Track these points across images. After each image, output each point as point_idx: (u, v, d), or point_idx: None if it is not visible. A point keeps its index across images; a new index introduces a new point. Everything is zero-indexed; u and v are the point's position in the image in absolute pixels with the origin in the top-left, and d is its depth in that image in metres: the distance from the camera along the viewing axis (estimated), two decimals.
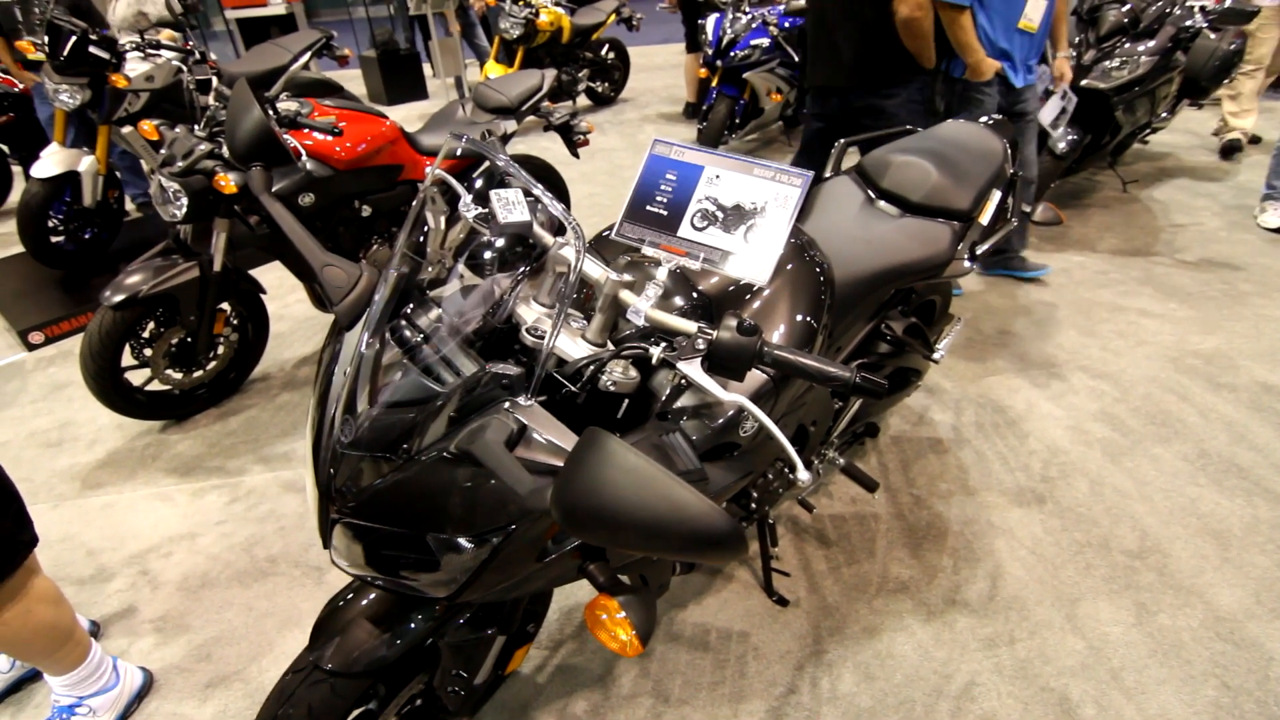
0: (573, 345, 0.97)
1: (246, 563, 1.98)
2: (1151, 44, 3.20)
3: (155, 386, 2.46)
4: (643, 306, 0.93)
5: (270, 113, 2.14)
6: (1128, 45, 3.21)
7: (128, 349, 2.34)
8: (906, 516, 2.00)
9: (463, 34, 6.61)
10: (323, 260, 0.93)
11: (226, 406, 2.64)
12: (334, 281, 0.91)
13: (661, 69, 7.90)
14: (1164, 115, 3.94)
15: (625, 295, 0.95)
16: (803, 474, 0.81)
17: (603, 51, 6.29)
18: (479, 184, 1.02)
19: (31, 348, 3.10)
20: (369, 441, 0.84)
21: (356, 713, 1.21)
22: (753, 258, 0.91)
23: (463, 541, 0.84)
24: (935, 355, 1.77)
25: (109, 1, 3.66)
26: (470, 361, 0.87)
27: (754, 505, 1.45)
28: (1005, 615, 1.72)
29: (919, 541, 1.92)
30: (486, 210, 1.10)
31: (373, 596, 1.10)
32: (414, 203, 0.97)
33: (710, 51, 4.45)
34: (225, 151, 2.16)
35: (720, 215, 0.93)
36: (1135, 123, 3.50)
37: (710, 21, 4.51)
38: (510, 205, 0.99)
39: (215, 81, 2.24)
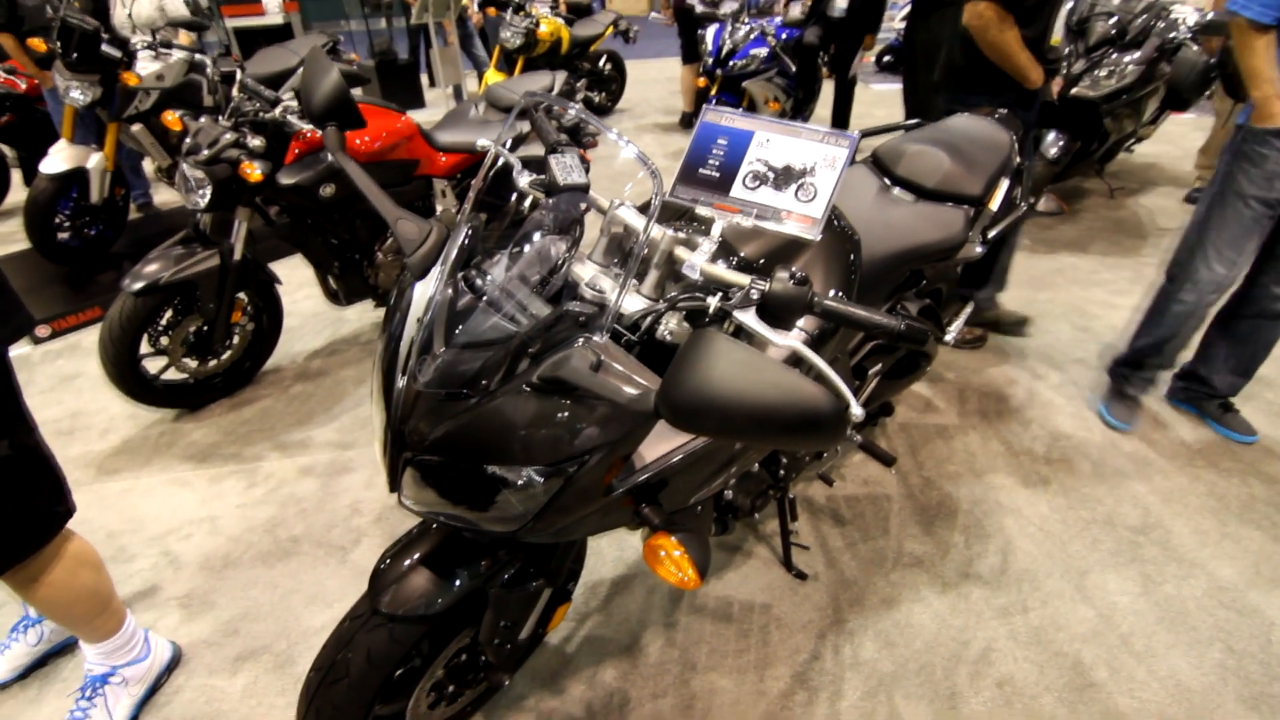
0: (629, 299, 1.02)
1: (269, 543, 2.00)
2: (1138, 54, 3.34)
3: (171, 375, 2.48)
4: (698, 261, 0.98)
5: (298, 102, 2.19)
6: (1115, 55, 3.35)
7: (145, 338, 2.35)
8: (917, 497, 2.06)
9: (461, 44, 6.69)
10: (396, 214, 0.98)
11: (240, 397, 2.65)
12: (407, 235, 0.96)
13: (656, 81, 8.04)
14: (1148, 124, 4.09)
15: (680, 251, 1.00)
16: (856, 409, 0.86)
17: (600, 63, 6.40)
18: (523, 178, 1.09)
19: (37, 341, 3.09)
20: (446, 380, 0.88)
21: (402, 670, 1.24)
22: (804, 214, 0.97)
23: (535, 475, 0.88)
24: (947, 337, 1.84)
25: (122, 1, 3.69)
26: (542, 304, 0.92)
27: (782, 472, 1.51)
28: (1017, 586, 1.78)
29: (931, 520, 1.98)
30: (541, 178, 1.16)
31: (427, 546, 1.13)
32: (486, 159, 1.02)
33: (710, 61, 4.57)
34: (250, 141, 2.20)
35: (771, 175, 0.99)
36: (1122, 131, 3.64)
37: (710, 32, 4.63)
38: (569, 168, 1.05)
39: (239, 74, 2.28)
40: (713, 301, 0.95)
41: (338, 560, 1.93)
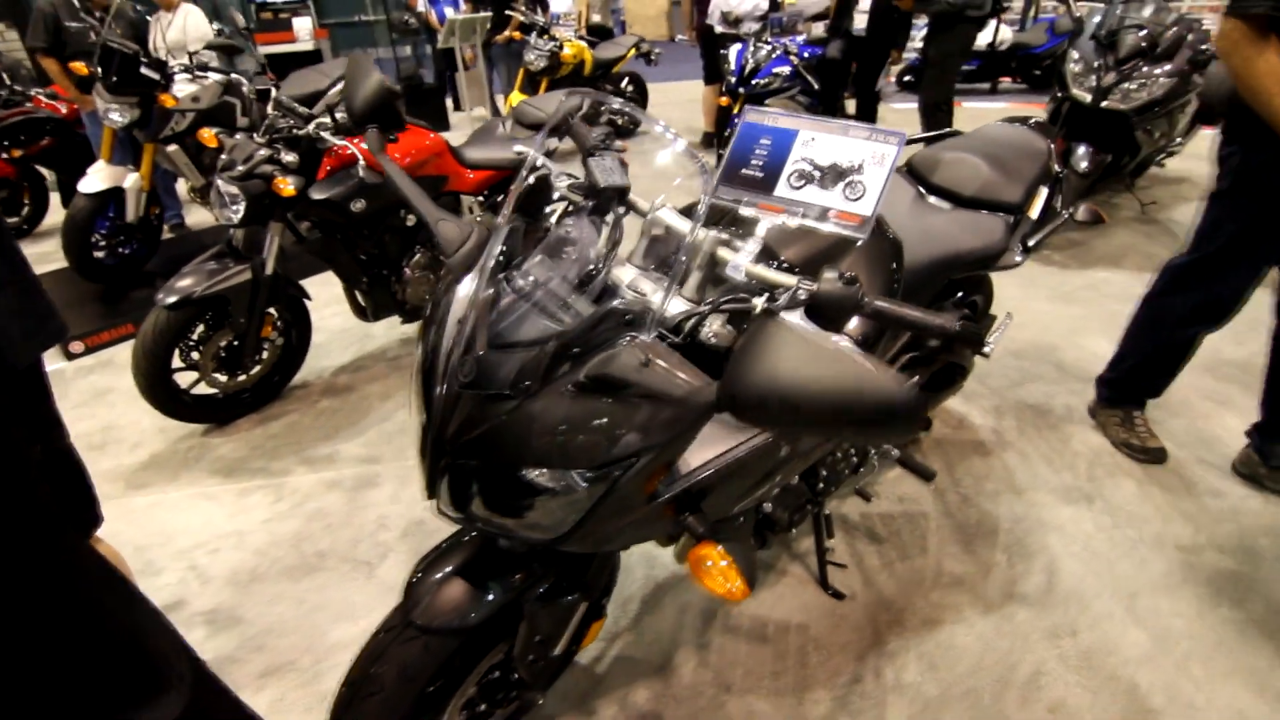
0: (670, 302, 1.00)
1: (295, 559, 1.98)
2: (1169, 66, 3.30)
3: (201, 390, 2.49)
4: (742, 261, 0.96)
5: (330, 120, 2.22)
6: (1146, 68, 3.30)
7: (176, 352, 2.37)
8: (955, 515, 2.00)
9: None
10: (437, 215, 0.97)
11: (267, 412, 2.66)
12: (448, 235, 0.95)
13: (678, 103, 8.10)
14: (1179, 140, 4.03)
15: (723, 252, 0.98)
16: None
17: (622, 84, 6.46)
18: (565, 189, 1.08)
19: (71, 357, 3.14)
20: (488, 380, 0.86)
21: (433, 688, 1.20)
22: (852, 213, 0.94)
23: (579, 480, 0.86)
24: (986, 349, 1.79)
25: (160, 26, 3.81)
26: (586, 303, 0.90)
27: (821, 485, 1.46)
28: (1064, 608, 1.71)
29: (970, 538, 1.92)
30: (579, 181, 1.15)
31: (461, 558, 1.11)
32: (526, 162, 1.01)
33: (733, 80, 4.59)
34: (283, 157, 2.23)
35: (817, 174, 0.97)
36: (1154, 144, 3.58)
37: (733, 51, 4.66)
38: (609, 170, 1.04)
39: (274, 92, 2.32)
40: (759, 302, 0.92)
41: (364, 576, 1.91)
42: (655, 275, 1.05)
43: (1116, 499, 2.03)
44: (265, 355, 2.58)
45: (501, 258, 0.95)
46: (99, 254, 3.58)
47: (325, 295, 3.48)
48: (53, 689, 0.78)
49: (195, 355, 2.42)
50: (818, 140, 0.99)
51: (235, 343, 2.46)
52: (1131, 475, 2.12)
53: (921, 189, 1.76)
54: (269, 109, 2.31)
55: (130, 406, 2.73)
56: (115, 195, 3.51)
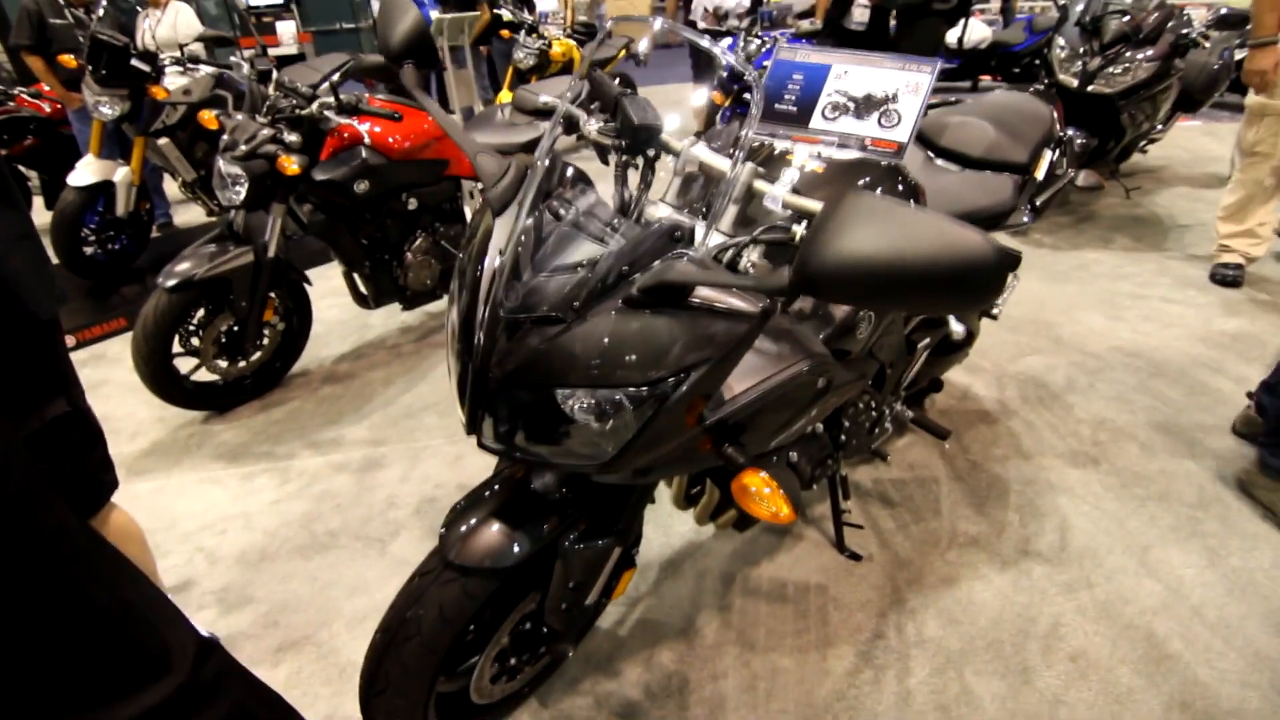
0: (710, 235, 1.00)
1: (305, 538, 1.95)
2: (1151, 51, 3.38)
3: (201, 376, 2.45)
4: (780, 192, 0.97)
5: (334, 99, 2.21)
6: (1129, 52, 3.38)
7: (176, 338, 2.33)
8: (966, 479, 2.02)
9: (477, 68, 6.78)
10: (475, 149, 0.97)
11: (268, 399, 2.63)
12: (486, 169, 0.95)
13: (665, 104, 8.15)
14: (1160, 126, 4.12)
15: (760, 184, 0.99)
16: None
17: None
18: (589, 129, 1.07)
19: None
20: (535, 304, 0.86)
21: (470, 634, 1.19)
22: (888, 140, 0.96)
23: (627, 400, 0.85)
24: (995, 311, 1.82)
25: (149, 24, 3.77)
26: (632, 225, 0.90)
27: (844, 436, 1.47)
28: (1079, 563, 1.73)
29: (982, 501, 1.94)
30: (611, 124, 1.15)
31: (497, 501, 1.10)
32: (556, 113, 1.01)
33: (725, 74, 4.62)
34: (286, 137, 2.22)
35: (852, 105, 0.99)
36: (1138, 128, 3.66)
37: (723, 46, 4.70)
38: (643, 107, 1.04)
39: (275, 73, 2.31)
40: (799, 230, 0.93)
41: (377, 552, 1.88)
42: (688, 216, 1.05)
43: (1121, 461, 2.06)
44: (266, 341, 2.55)
45: (542, 188, 0.95)
46: (89, 249, 3.53)
47: (322, 287, 3.45)
48: (29, 676, 0.73)
49: (195, 341, 2.38)
50: (851, 73, 1.00)
51: (236, 328, 2.43)
52: (1135, 439, 2.16)
53: (930, 153, 1.79)
54: (270, 90, 2.30)
55: (125, 398, 2.68)
56: (105, 190, 3.47)
